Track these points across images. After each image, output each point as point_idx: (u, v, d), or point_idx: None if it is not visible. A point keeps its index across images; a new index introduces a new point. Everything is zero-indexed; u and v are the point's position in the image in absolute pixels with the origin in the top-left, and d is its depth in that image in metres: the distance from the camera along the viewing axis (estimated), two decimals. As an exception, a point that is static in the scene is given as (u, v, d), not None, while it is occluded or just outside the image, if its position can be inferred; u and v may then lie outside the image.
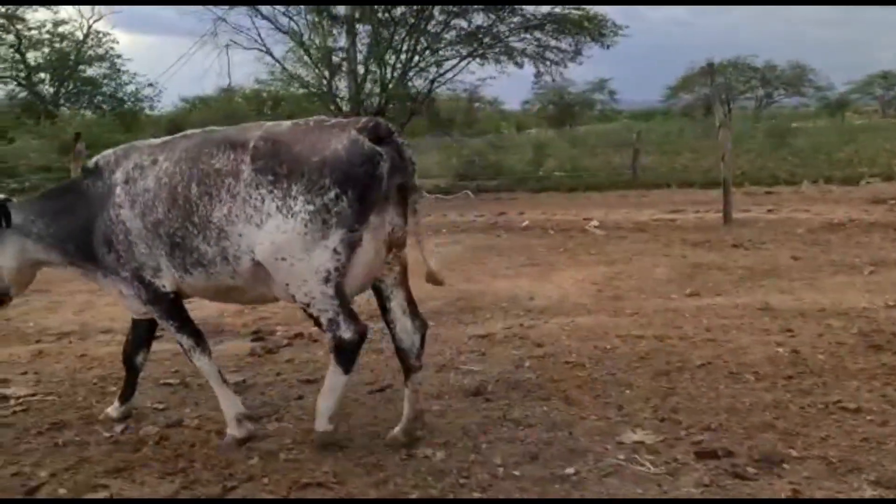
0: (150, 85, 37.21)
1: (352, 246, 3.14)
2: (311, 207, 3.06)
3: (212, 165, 3.23)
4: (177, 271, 3.39)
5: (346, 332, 3.21)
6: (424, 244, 3.42)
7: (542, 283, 7.11)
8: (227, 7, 18.03)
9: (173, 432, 3.67)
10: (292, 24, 18.55)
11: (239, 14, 18.59)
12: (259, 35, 18.74)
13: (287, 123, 3.33)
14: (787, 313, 5.49)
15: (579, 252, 8.67)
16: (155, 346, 5.35)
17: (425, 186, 14.60)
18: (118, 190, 3.44)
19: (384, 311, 3.52)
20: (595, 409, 3.87)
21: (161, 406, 4.08)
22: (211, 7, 18.09)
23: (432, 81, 19.56)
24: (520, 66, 18.81)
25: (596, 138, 28.77)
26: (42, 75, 36.81)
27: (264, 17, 18.34)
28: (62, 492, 3.08)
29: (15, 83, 36.33)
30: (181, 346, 3.62)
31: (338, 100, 19.23)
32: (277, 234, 3.09)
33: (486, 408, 3.94)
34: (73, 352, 5.21)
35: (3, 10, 33.90)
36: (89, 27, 36.46)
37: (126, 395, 3.88)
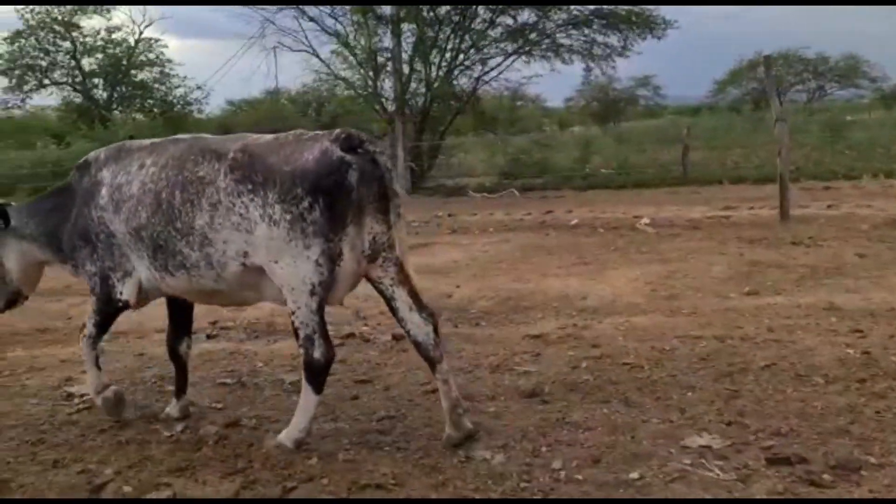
0: (199, 88, 37.97)
1: (332, 259, 3.21)
2: (288, 216, 3.16)
3: (195, 173, 3.33)
4: (158, 272, 3.50)
5: (317, 353, 3.29)
6: (405, 252, 3.43)
7: (593, 282, 6.99)
8: (274, 9, 18.26)
9: (232, 432, 3.68)
10: (338, 25, 18.70)
11: (286, 17, 18.83)
12: (305, 37, 18.94)
13: (267, 136, 3.42)
14: (855, 313, 5.28)
15: (631, 250, 8.51)
16: (211, 345, 5.45)
17: (470, 185, 14.67)
18: (103, 191, 3.58)
19: (392, 311, 3.52)
20: (657, 411, 3.76)
21: (219, 405, 4.11)
22: (259, 9, 18.34)
23: (477, 80, 19.51)
24: (567, 62, 18.61)
25: (642, 135, 28.30)
26: (96, 80, 37.85)
27: (311, 19, 18.53)
28: (127, 489, 3.11)
29: (71, 88, 37.43)
30: (86, 331, 3.79)
31: (383, 100, 19.30)
32: (268, 240, 3.20)
33: (544, 410, 3.86)
34: (131, 350, 5.30)
35: (60, 17, 34.99)
36: (140, 33, 37.35)
37: (180, 390, 3.93)
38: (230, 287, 3.41)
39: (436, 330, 3.47)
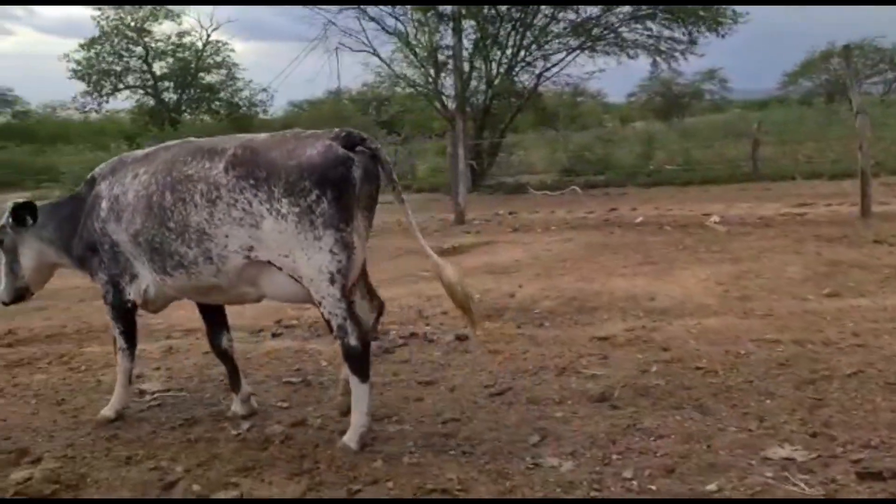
0: (264, 90, 38.82)
1: (347, 246, 3.28)
2: (296, 209, 3.22)
3: (185, 173, 3.41)
4: (157, 274, 3.61)
5: (352, 340, 3.33)
6: (420, 238, 3.58)
7: (662, 282, 6.77)
8: (336, 10, 18.46)
9: (298, 431, 3.69)
10: (398, 24, 18.76)
11: (347, 17, 19.00)
12: (367, 37, 19.08)
13: (264, 135, 3.50)
14: (950, 318, 4.95)
15: (700, 249, 8.23)
16: (276, 343, 5.50)
17: (531, 183, 14.49)
18: (103, 203, 3.73)
19: None
20: (733, 419, 3.59)
21: (285, 404, 4.13)
22: (321, 10, 18.57)
23: (539, 76, 19.27)
24: (632, 57, 18.21)
25: (708, 129, 27.46)
26: (166, 84, 39.13)
27: (371, 19, 18.64)
28: (196, 488, 3.14)
29: (143, 92, 38.79)
30: (118, 344, 3.94)
31: (443, 98, 19.29)
32: (275, 233, 3.26)
33: (613, 415, 3.74)
34: (200, 348, 5.38)
35: (132, 23, 36.32)
36: (208, 36, 38.43)
37: (235, 385, 3.98)
38: (230, 282, 3.47)
39: (377, 317, 3.80)
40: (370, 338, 3.61)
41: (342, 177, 3.24)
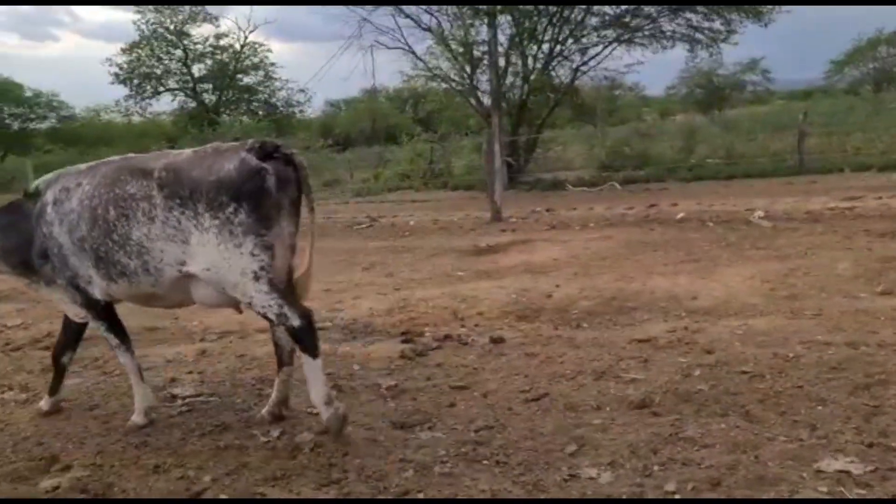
0: (302, 91, 39.15)
1: (267, 248, 3.45)
2: (216, 222, 3.40)
3: (126, 191, 3.60)
4: (103, 280, 3.76)
5: (295, 321, 3.45)
6: (312, 246, 3.70)
7: (704, 280, 6.54)
8: (371, 8, 18.43)
9: (327, 439, 3.60)
10: (433, 20, 18.66)
11: (382, 15, 18.98)
12: (402, 34, 19.02)
13: (188, 151, 3.67)
14: None
15: (745, 246, 7.96)
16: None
17: (569, 179, 14.30)
18: (49, 209, 3.85)
19: None
20: (783, 428, 3.40)
21: (315, 411, 4.05)
22: (356, 9, 18.56)
23: (575, 70, 18.99)
24: (669, 48, 17.81)
25: (751, 122, 26.82)
26: (205, 85, 39.72)
27: (406, 16, 18.58)
28: (223, 497, 3.08)
29: (183, 94, 39.42)
30: (109, 343, 4.06)
31: (479, 94, 19.13)
32: (200, 247, 3.46)
33: (655, 423, 3.57)
34: (233, 351, 5.37)
35: (171, 27, 36.95)
36: (246, 38, 38.88)
37: (53, 390, 4.20)
38: (166, 291, 3.68)
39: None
40: (288, 362, 3.89)
41: (257, 187, 3.42)
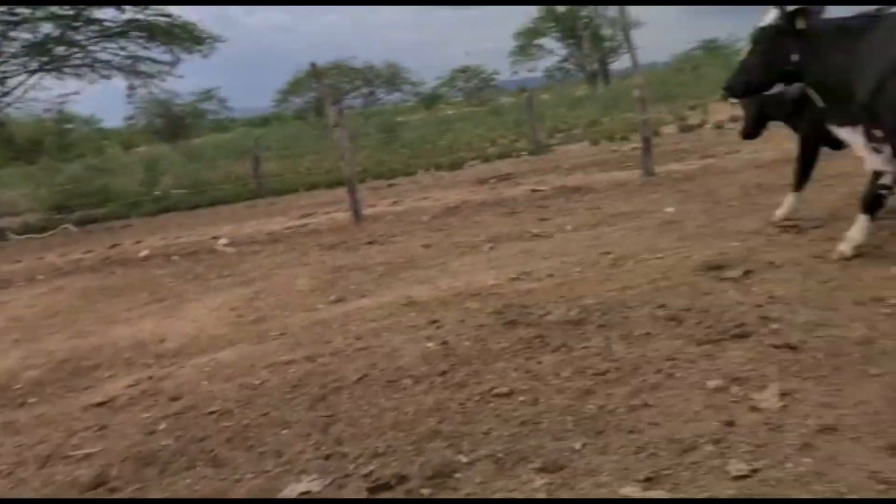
0: None
1: None
2: None
3: None
4: None
5: None
6: None
7: (172, 319, 6.20)
8: None
9: None
10: None
11: None
12: None
13: None
14: (429, 304, 5.48)
15: (211, 276, 7.87)
16: None
17: (11, 226, 12.15)
18: None
19: None
20: (251, 464, 3.27)
21: None
22: None
23: (-5, 101, 16.52)
24: (108, 77, 16.85)
25: (214, 149, 27.57)
26: None
27: None
28: None
29: None
30: None
31: None
32: None
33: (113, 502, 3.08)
34: None
35: None
36: None
37: None
38: None
39: None
40: None
41: None
